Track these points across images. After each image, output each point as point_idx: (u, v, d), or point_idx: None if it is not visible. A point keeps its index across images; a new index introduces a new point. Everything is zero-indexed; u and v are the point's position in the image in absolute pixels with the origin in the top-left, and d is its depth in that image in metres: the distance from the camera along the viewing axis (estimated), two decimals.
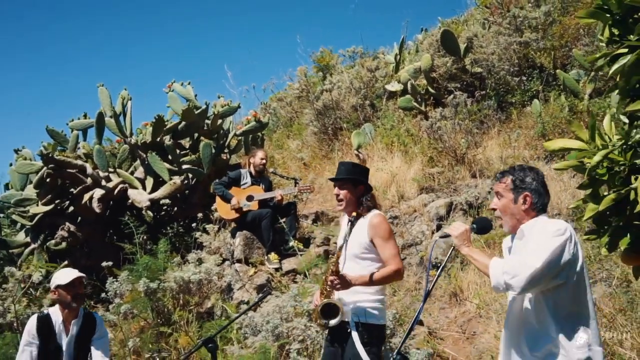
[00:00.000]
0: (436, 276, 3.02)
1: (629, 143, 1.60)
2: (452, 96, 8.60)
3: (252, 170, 7.44)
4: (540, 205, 2.80)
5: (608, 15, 1.48)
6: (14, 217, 8.25)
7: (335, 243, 6.85)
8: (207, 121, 8.54)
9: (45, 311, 4.40)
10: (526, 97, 8.86)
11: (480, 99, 8.87)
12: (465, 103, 8.38)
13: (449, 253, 3.12)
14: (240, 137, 8.96)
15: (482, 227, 3.11)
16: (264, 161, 7.49)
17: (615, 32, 1.47)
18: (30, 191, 8.16)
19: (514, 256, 2.84)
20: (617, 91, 1.54)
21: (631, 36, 1.36)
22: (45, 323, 4.28)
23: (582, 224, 5.56)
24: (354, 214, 3.94)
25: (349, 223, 3.98)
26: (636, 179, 1.68)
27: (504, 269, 2.71)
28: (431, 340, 5.48)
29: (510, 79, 9.06)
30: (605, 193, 1.90)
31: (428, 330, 5.69)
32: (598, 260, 5.76)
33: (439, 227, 6.99)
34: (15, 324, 6.78)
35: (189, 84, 8.77)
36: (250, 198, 7.17)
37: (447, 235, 3.05)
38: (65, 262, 7.75)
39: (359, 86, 10.29)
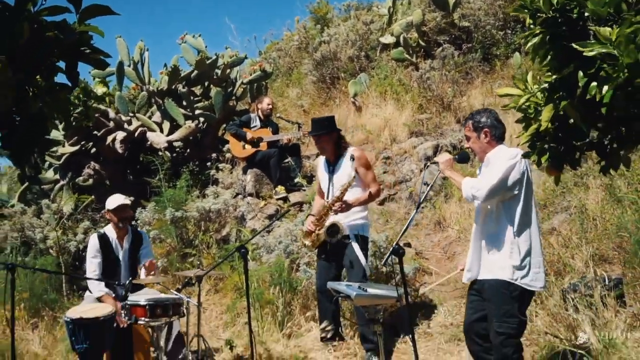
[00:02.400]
0: (427, 190, 4.01)
1: (542, 90, 2.51)
2: (440, 49, 9.42)
3: (260, 114, 8.30)
4: (497, 135, 3.76)
5: (526, 10, 2.38)
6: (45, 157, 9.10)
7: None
8: (216, 70, 9.32)
9: (102, 231, 5.33)
10: (509, 50, 9.68)
11: (467, 51, 9.68)
12: (453, 55, 9.22)
13: (436, 176, 4.10)
14: (246, 85, 9.76)
15: (462, 158, 4.10)
16: (270, 106, 8.34)
17: (531, 22, 2.37)
18: (57, 133, 8.99)
19: (481, 177, 3.81)
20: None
21: (538, 26, 2.25)
22: (103, 239, 5.22)
23: None
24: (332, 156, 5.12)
25: (326, 163, 5.14)
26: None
27: (471, 184, 3.70)
28: (417, 258, 6.49)
29: (495, 33, 9.86)
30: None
31: (415, 251, 6.71)
32: (561, 193, 6.74)
33: (426, 166, 7.93)
34: (53, 249, 7.74)
35: (199, 36, 9.51)
36: (259, 139, 8.06)
37: (435, 163, 4.03)
38: (92, 197, 8.67)
39: (355, 38, 11.05)
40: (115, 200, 5.26)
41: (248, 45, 24.43)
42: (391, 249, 3.64)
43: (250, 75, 9.76)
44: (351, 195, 4.92)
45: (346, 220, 4.94)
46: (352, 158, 4.94)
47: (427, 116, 8.83)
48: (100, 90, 7.59)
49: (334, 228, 4.88)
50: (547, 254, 5.63)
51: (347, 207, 4.85)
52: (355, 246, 4.87)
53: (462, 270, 4.09)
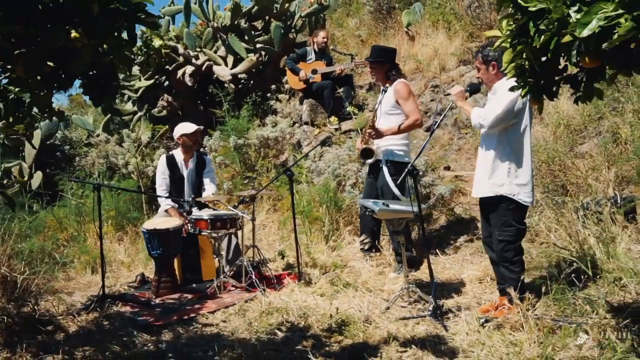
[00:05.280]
0: (441, 119, 4.55)
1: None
2: None
3: (315, 47, 8.85)
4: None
5: None
6: (122, 90, 10.04)
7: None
8: (276, 5, 9.84)
9: (171, 153, 6.16)
10: None
11: None
12: None
13: (448, 106, 4.62)
14: (304, 18, 10.24)
15: (473, 89, 4.60)
16: (325, 40, 8.86)
17: None
18: (133, 70, 9.87)
19: (488, 106, 4.31)
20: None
21: None
22: (171, 160, 6.05)
23: None
24: (387, 84, 5.50)
25: (382, 91, 5.54)
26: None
27: (479, 114, 4.22)
28: (455, 180, 7.02)
29: None
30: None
31: (455, 174, 7.24)
32: (598, 118, 7.03)
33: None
34: (134, 173, 8.73)
35: None
36: (314, 71, 8.65)
37: (449, 94, 4.55)
38: (167, 126, 9.58)
39: None
40: (191, 126, 6.04)
41: None
42: (405, 170, 4.25)
43: (309, 8, 10.23)
44: (390, 123, 5.47)
45: (382, 144, 5.51)
46: (390, 89, 5.45)
47: (476, 45, 9.10)
48: (157, 42, 8.66)
49: (366, 152, 5.49)
50: (573, 176, 6.06)
51: (377, 134, 5.41)
52: (385, 171, 5.42)
53: None
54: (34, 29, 2.41)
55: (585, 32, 2.27)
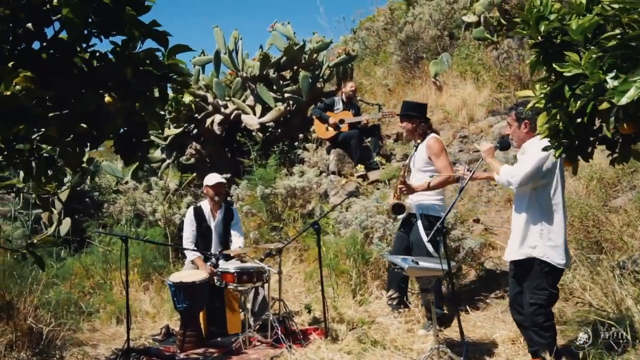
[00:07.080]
0: (469, 176, 4.46)
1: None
2: None
3: (343, 97, 8.90)
4: (535, 127, 4.16)
5: (524, 31, 2.83)
6: (152, 137, 10.16)
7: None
8: (304, 55, 9.97)
9: (199, 204, 6.18)
10: None
11: None
12: None
13: (479, 162, 4.55)
14: (332, 68, 10.35)
15: (503, 145, 4.53)
16: (352, 89, 8.91)
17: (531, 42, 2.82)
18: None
19: (517, 164, 4.24)
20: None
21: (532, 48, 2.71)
22: (198, 211, 6.07)
23: None
24: (418, 140, 5.47)
25: (414, 146, 5.51)
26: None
27: (507, 171, 4.16)
28: (485, 234, 6.90)
29: None
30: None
31: (484, 227, 7.11)
32: (632, 172, 6.89)
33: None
34: (161, 221, 8.75)
35: (288, 23, 10.19)
36: (341, 121, 8.67)
37: (477, 150, 4.49)
38: (194, 174, 9.65)
39: (438, 17, 11.32)
40: (214, 177, 6.10)
41: (337, 26, 25.09)
42: (435, 228, 4.17)
43: (337, 58, 10.35)
44: (424, 179, 5.38)
45: (415, 199, 5.44)
46: (422, 145, 5.42)
47: (504, 95, 9.07)
48: (187, 98, 9.03)
49: (397, 207, 5.41)
50: (607, 232, 5.90)
51: (408, 190, 5.35)
52: (420, 226, 5.33)
53: None
54: (66, 94, 2.43)
55: (624, 100, 2.22)
